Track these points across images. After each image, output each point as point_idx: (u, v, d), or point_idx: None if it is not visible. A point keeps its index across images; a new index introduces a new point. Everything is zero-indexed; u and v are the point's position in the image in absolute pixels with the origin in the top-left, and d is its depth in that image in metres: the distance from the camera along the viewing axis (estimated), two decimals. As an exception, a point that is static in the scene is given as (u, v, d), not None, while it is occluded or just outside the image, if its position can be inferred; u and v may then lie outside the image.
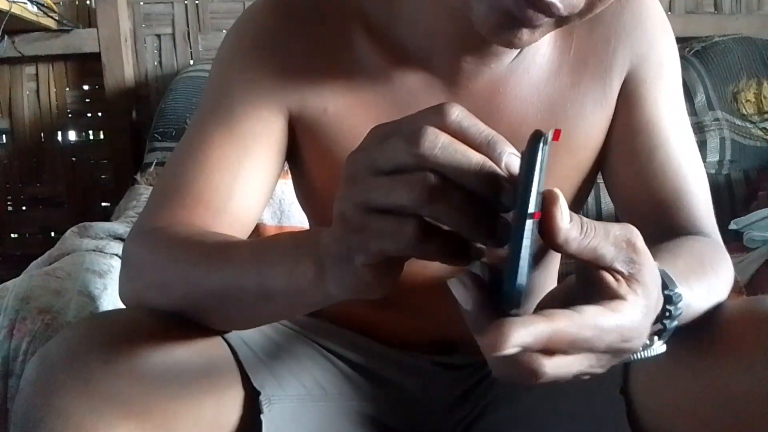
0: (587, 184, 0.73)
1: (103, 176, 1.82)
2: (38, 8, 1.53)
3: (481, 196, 0.38)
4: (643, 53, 0.69)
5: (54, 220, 1.81)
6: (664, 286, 0.44)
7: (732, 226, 1.42)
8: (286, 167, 0.72)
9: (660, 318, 0.44)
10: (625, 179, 0.70)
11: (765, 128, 1.64)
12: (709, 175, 0.73)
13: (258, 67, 0.66)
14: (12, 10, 1.38)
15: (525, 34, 0.53)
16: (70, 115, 1.79)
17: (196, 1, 1.77)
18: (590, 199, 1.52)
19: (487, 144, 0.38)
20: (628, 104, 0.69)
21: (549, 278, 0.79)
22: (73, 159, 1.81)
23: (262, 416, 0.62)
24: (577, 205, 0.73)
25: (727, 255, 0.64)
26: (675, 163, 0.68)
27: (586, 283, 0.40)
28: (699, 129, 1.59)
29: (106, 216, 1.52)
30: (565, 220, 0.37)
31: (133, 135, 1.76)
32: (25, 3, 1.46)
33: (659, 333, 0.45)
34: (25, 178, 1.81)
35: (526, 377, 0.37)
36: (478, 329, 0.37)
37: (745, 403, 0.50)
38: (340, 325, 0.77)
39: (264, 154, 0.66)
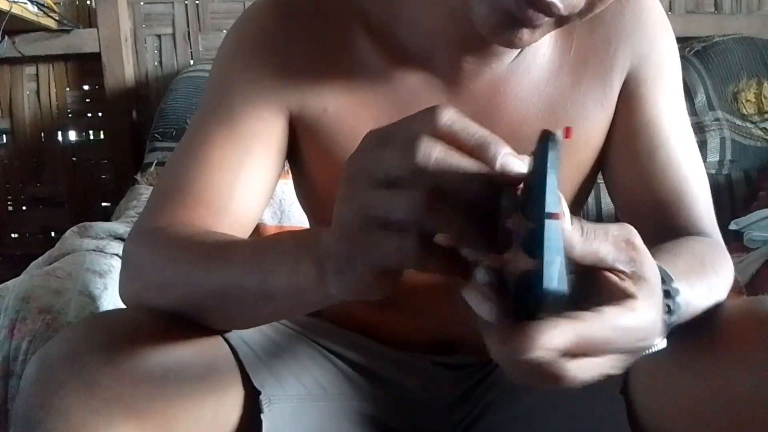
0: (587, 185, 0.73)
1: (103, 176, 1.82)
2: (38, 8, 1.53)
3: (482, 203, 0.37)
4: (644, 53, 0.69)
5: (54, 220, 1.81)
6: (661, 281, 0.44)
7: (732, 226, 1.42)
8: (287, 167, 0.72)
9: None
10: (626, 179, 0.70)
11: (765, 128, 1.64)
12: (709, 175, 0.73)
13: (258, 66, 0.66)
14: (12, 10, 1.38)
15: (525, 33, 0.53)
16: (70, 115, 1.79)
17: (197, 1, 1.77)
18: (590, 199, 1.52)
19: (480, 146, 0.38)
20: (629, 104, 0.69)
21: None
22: (74, 159, 1.81)
23: (262, 416, 0.62)
24: (577, 205, 0.73)
25: (728, 255, 0.64)
26: (675, 164, 0.68)
27: (587, 285, 0.40)
28: (699, 129, 1.59)
29: (107, 216, 1.52)
30: (567, 224, 0.37)
31: (134, 135, 1.77)
32: (25, 3, 1.46)
33: None
34: (25, 178, 1.81)
35: (549, 382, 0.36)
36: (500, 336, 0.36)
37: (745, 403, 0.50)
38: (341, 325, 0.77)
39: (264, 154, 0.66)
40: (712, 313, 0.54)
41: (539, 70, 0.67)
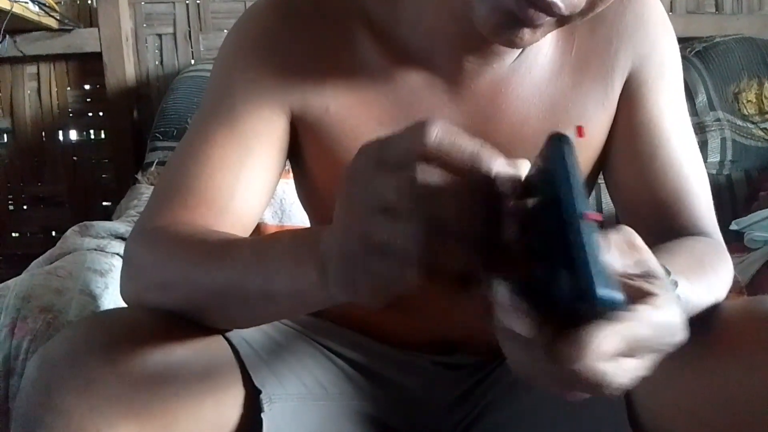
0: (588, 185, 0.73)
1: (104, 176, 1.82)
2: (40, 8, 1.53)
3: (485, 219, 0.37)
4: (645, 54, 0.69)
5: (55, 219, 1.81)
6: None
7: (733, 226, 1.42)
8: (288, 166, 0.72)
9: None
10: (626, 179, 0.70)
11: (766, 128, 1.63)
12: (710, 175, 0.73)
13: (259, 66, 0.66)
14: (13, 10, 1.38)
15: (526, 33, 0.53)
16: (71, 115, 1.79)
17: (198, 1, 1.77)
18: (590, 200, 1.52)
19: (472, 162, 0.37)
20: (630, 105, 0.69)
21: None
22: (75, 158, 1.81)
23: (262, 415, 0.62)
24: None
25: (728, 255, 0.64)
26: (676, 164, 0.68)
27: None
28: (700, 129, 1.59)
29: (107, 215, 1.52)
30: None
31: (135, 134, 1.77)
32: (26, 3, 1.46)
33: None
34: (26, 178, 1.81)
35: (591, 390, 0.35)
36: (544, 348, 0.35)
37: (746, 403, 0.50)
38: (341, 325, 0.77)
39: (266, 153, 0.66)
40: (712, 313, 0.54)
41: (541, 70, 0.67)
